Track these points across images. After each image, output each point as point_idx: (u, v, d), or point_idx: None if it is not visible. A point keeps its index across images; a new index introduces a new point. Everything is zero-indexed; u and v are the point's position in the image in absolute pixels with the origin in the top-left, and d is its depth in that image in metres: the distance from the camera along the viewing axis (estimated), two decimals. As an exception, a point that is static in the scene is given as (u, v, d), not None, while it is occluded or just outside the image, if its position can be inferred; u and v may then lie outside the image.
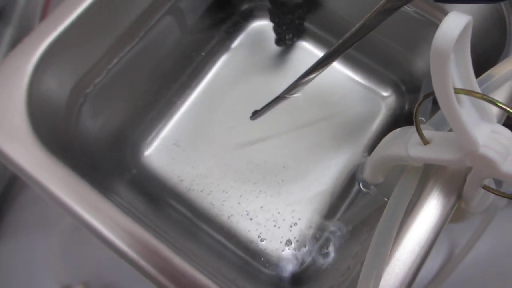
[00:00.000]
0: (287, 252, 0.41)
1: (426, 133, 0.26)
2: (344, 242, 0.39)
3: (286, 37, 0.46)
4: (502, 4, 0.32)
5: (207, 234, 0.42)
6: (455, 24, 0.19)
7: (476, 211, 0.30)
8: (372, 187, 0.39)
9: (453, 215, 0.27)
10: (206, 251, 0.40)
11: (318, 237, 0.41)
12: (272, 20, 0.46)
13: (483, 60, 0.33)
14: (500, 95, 0.30)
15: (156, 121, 0.45)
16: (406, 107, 0.46)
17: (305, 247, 0.41)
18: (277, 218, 0.42)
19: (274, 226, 0.42)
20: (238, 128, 0.45)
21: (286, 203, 0.43)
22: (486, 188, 0.26)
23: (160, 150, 0.45)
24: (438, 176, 0.27)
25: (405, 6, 0.28)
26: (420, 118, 0.36)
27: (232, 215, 0.42)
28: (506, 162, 0.22)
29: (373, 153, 0.32)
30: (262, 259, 0.41)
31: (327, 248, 0.40)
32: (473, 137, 0.22)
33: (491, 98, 0.21)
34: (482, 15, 0.35)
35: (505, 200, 0.38)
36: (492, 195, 0.27)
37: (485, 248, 0.44)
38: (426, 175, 0.28)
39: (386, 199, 0.28)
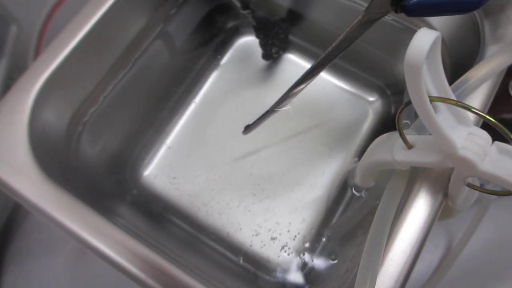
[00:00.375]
0: (288, 259, 0.42)
1: (410, 137, 0.27)
2: (341, 246, 0.40)
3: (272, 51, 0.48)
4: (475, 11, 0.34)
5: (209, 247, 0.43)
6: (424, 39, 0.20)
7: (463, 208, 0.31)
8: (363, 191, 0.41)
9: (441, 213, 0.29)
10: (210, 264, 0.41)
11: (317, 242, 0.42)
12: (257, 36, 0.47)
13: (460, 64, 0.35)
14: (477, 97, 0.31)
15: (152, 141, 0.47)
16: (393, 111, 0.47)
17: (305, 253, 0.42)
18: (277, 226, 0.43)
19: (274, 234, 0.43)
20: (233, 142, 0.47)
21: (284, 211, 0.44)
22: (470, 185, 0.27)
23: (158, 169, 0.46)
24: (424, 178, 0.29)
25: (385, 16, 0.29)
26: (405, 121, 0.37)
27: (232, 226, 0.43)
28: (484, 161, 0.23)
29: (362, 159, 0.33)
30: (264, 267, 0.42)
31: (326, 252, 0.41)
32: (451, 140, 0.23)
33: (465, 104, 0.22)
34: (457, 22, 0.36)
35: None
36: (477, 192, 0.28)
37: (481, 240, 0.45)
38: (413, 177, 0.29)
39: (377, 202, 0.29)
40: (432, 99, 0.22)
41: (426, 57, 0.20)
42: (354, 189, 0.42)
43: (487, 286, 0.44)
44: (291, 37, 0.49)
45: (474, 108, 0.22)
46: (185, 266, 0.29)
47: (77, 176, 0.36)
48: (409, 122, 0.34)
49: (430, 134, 0.28)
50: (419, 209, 0.28)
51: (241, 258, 0.42)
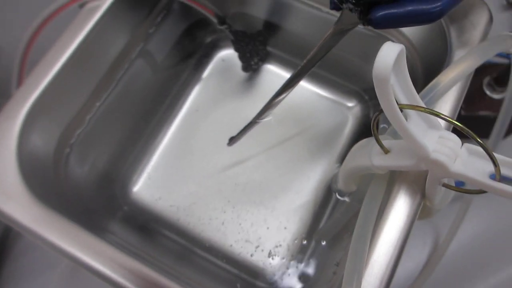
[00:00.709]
0: (279, 264, 0.43)
1: (386, 142, 0.28)
2: (328, 250, 0.41)
3: (252, 62, 0.49)
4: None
5: (200, 258, 0.44)
6: (390, 53, 0.22)
7: (441, 207, 0.32)
8: (347, 195, 0.42)
9: (421, 213, 0.30)
10: (202, 274, 0.42)
11: (305, 247, 0.43)
12: (236, 49, 0.48)
13: (432, 68, 0.37)
14: (447, 100, 0.32)
15: (140, 157, 0.47)
16: (371, 114, 0.48)
17: (295, 258, 0.43)
18: (266, 233, 0.44)
19: (263, 240, 0.44)
20: (218, 154, 0.48)
21: (273, 218, 0.45)
22: (445, 185, 0.28)
23: (147, 185, 0.47)
24: (402, 180, 0.30)
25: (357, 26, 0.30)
26: (383, 125, 0.39)
27: (222, 235, 0.44)
28: (455, 163, 0.25)
29: (342, 165, 0.34)
30: (255, 273, 0.43)
31: (314, 256, 0.42)
32: (423, 145, 0.24)
33: (433, 110, 0.24)
34: (426, 29, 0.38)
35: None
36: (453, 191, 0.29)
37: (467, 235, 0.47)
38: (392, 180, 0.30)
39: (361, 206, 0.30)
40: (402, 107, 0.24)
41: (393, 69, 0.22)
42: (338, 194, 0.43)
43: (474, 280, 0.45)
44: (269, 48, 0.50)
45: (442, 114, 0.23)
46: (178, 278, 0.30)
47: (67, 197, 0.37)
48: (387, 126, 0.35)
49: (405, 139, 0.29)
50: (399, 211, 0.29)
51: (232, 266, 0.43)
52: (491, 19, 0.36)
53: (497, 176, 0.24)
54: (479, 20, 0.35)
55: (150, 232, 0.45)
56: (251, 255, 0.43)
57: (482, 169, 0.25)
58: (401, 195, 0.30)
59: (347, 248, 0.30)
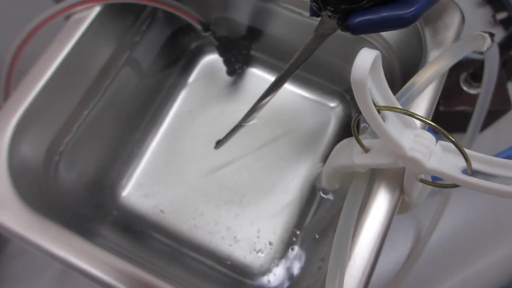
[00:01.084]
0: (267, 262, 0.44)
1: (366, 142, 0.30)
2: (314, 246, 0.42)
3: (236, 67, 0.50)
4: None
5: (191, 258, 0.45)
6: (366, 58, 0.23)
7: (419, 202, 0.34)
8: (330, 193, 0.43)
9: (400, 208, 0.31)
10: (192, 274, 0.42)
11: (292, 244, 0.44)
12: (220, 55, 0.49)
13: (409, 68, 0.38)
14: (423, 99, 0.34)
15: (128, 162, 0.48)
16: (353, 114, 0.50)
17: (283, 255, 0.44)
18: (254, 232, 0.45)
19: (251, 240, 0.45)
20: (205, 157, 0.49)
21: (260, 217, 0.46)
22: (422, 181, 0.30)
23: (136, 189, 0.47)
24: (382, 177, 0.31)
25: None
26: (363, 125, 0.40)
27: (211, 236, 0.45)
28: (430, 160, 0.26)
29: (325, 165, 0.35)
30: (244, 272, 0.44)
31: (301, 253, 0.43)
32: (399, 144, 0.26)
33: (407, 111, 0.25)
34: (403, 31, 0.39)
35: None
36: (430, 186, 0.31)
37: (447, 226, 0.48)
38: (373, 178, 0.32)
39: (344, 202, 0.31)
40: (379, 109, 0.25)
41: (370, 73, 0.23)
42: (322, 192, 0.44)
43: (455, 268, 0.47)
44: (253, 52, 0.51)
45: (416, 114, 0.25)
46: (170, 279, 0.31)
47: (58, 203, 0.37)
48: (367, 126, 0.36)
49: (383, 138, 0.30)
50: (379, 206, 0.30)
51: (221, 266, 0.44)
52: (463, 19, 0.37)
53: (469, 171, 0.25)
54: (452, 21, 0.37)
55: (140, 235, 0.45)
56: (239, 254, 0.44)
57: (455, 164, 0.26)
58: (381, 191, 0.31)
59: (332, 243, 0.31)
